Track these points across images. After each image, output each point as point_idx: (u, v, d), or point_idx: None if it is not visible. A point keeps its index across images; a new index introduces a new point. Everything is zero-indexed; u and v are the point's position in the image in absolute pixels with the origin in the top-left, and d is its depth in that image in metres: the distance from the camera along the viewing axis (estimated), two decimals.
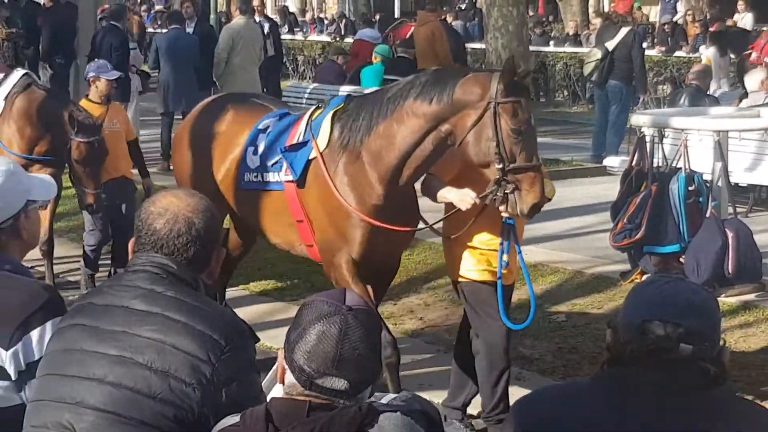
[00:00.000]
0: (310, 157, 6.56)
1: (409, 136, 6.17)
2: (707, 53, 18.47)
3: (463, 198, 6.10)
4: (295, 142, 6.68)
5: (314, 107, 6.96)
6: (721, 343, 2.71)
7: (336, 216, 6.48)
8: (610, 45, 14.97)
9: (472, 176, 6.18)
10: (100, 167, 8.82)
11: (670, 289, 2.74)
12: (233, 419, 2.72)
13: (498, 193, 5.96)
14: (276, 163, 6.81)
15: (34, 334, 3.30)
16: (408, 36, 20.98)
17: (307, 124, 6.67)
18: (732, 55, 18.83)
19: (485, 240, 6.33)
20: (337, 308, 2.64)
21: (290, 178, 6.66)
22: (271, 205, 6.92)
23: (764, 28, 22.57)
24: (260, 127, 7.08)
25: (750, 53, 18.21)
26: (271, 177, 6.85)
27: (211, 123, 7.50)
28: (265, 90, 15.99)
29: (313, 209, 6.62)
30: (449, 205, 6.37)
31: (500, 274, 6.28)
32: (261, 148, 6.94)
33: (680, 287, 2.76)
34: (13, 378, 3.30)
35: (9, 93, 9.12)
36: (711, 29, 20.99)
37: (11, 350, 3.29)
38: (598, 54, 15.02)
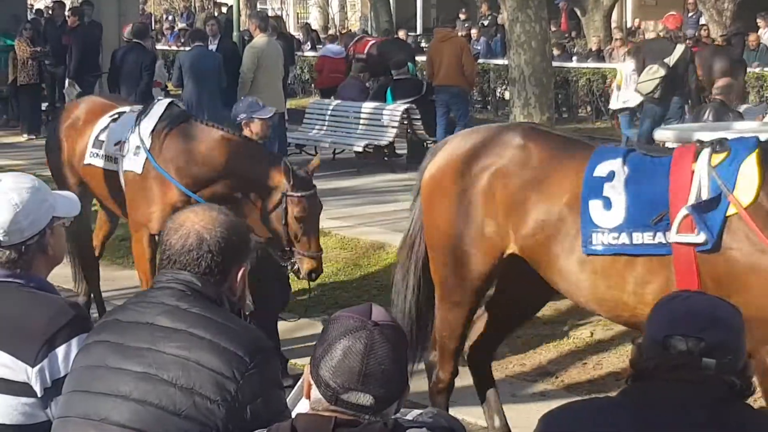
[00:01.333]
0: (727, 214, 5.25)
1: None
2: (622, 66, 18.11)
3: None
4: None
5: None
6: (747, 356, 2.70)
7: None
8: (670, 62, 14.87)
9: None
10: (318, 224, 7.75)
11: (691, 303, 2.73)
12: None
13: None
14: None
15: (60, 350, 3.30)
16: (366, 50, 21.35)
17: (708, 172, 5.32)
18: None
19: None
20: (363, 323, 2.63)
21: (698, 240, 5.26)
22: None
23: None
24: None
25: None
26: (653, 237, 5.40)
27: None
28: None
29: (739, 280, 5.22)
30: None
31: None
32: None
33: (702, 301, 2.76)
34: (39, 395, 3.31)
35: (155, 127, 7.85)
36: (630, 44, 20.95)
37: (37, 367, 3.30)
38: (660, 71, 14.82)
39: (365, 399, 2.60)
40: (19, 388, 3.32)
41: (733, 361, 2.65)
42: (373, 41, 22.35)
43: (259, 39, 15.43)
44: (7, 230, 3.49)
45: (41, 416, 3.32)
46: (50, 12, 22.59)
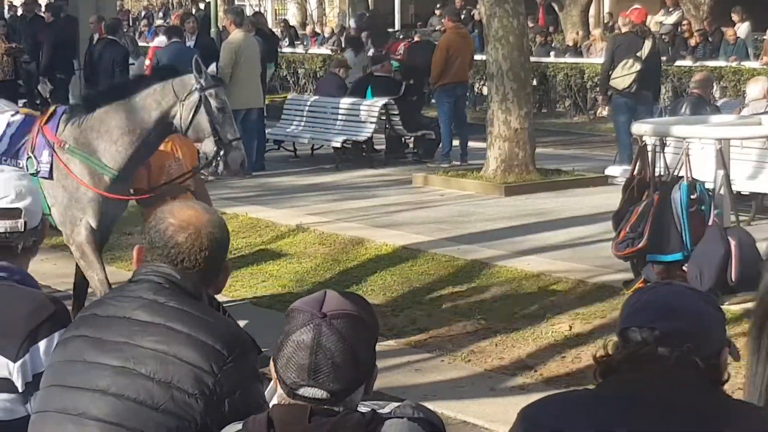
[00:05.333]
0: None
1: None
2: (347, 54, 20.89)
3: None
4: None
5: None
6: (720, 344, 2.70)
7: None
8: (642, 56, 14.88)
9: None
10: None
11: (650, 295, 2.76)
12: (236, 427, 2.71)
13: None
14: None
15: (42, 345, 3.30)
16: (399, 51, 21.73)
17: None
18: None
19: None
20: (311, 317, 2.59)
21: None
22: None
23: (765, 37, 22.61)
24: None
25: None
26: None
27: None
28: None
29: None
30: None
31: None
32: None
33: (661, 292, 2.78)
34: (20, 390, 3.30)
35: None
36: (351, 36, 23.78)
37: (19, 362, 3.29)
38: (636, 65, 14.81)
39: (319, 393, 2.57)
40: (1, 384, 3.31)
41: (695, 348, 2.64)
42: (405, 42, 22.45)
43: (236, 35, 15.41)
44: (31, 211, 3.50)
45: (21, 411, 3.31)
46: (21, 8, 22.52)
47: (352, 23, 30.32)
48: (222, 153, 7.86)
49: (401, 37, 24.53)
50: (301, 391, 2.58)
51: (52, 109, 8.23)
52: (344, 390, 2.58)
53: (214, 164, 8.05)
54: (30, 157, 7.92)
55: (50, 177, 7.88)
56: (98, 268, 7.94)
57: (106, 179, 7.83)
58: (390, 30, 26.07)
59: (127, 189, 8.18)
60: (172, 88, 7.81)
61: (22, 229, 3.51)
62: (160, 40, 27.29)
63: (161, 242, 3.15)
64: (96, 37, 18.12)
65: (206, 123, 7.79)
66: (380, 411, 2.70)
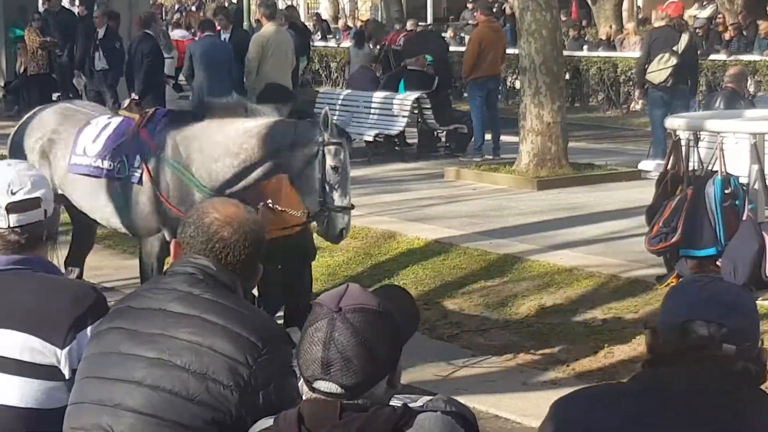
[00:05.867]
0: None
1: None
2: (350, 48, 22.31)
3: None
4: None
5: None
6: (760, 344, 2.71)
7: None
8: (678, 50, 14.77)
9: None
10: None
11: (712, 288, 2.73)
12: (267, 422, 2.72)
13: None
14: None
15: (88, 331, 3.31)
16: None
17: None
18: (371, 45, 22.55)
19: None
20: (327, 311, 2.58)
21: None
22: None
23: None
24: None
25: None
26: None
27: None
28: None
29: None
30: None
31: None
32: None
33: (721, 287, 2.76)
34: (66, 377, 3.33)
35: None
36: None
37: (67, 348, 3.31)
38: (672, 60, 14.69)
39: (333, 388, 2.56)
40: (47, 372, 3.33)
41: (750, 347, 2.66)
42: (404, 33, 22.59)
43: (267, 28, 15.39)
44: (48, 200, 3.53)
45: (66, 399, 3.33)
46: (48, 2, 22.62)
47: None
48: (322, 217, 7.23)
49: (398, 28, 24.68)
50: (317, 385, 2.57)
51: (151, 111, 7.76)
52: (359, 385, 2.55)
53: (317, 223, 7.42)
54: (122, 160, 7.53)
55: (139, 183, 7.45)
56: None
57: (196, 196, 7.18)
58: (422, 23, 26.06)
59: None
60: (294, 130, 7.23)
61: (44, 218, 3.53)
62: (181, 33, 27.51)
63: (204, 236, 3.16)
64: (101, 32, 18.15)
65: (315, 180, 7.15)
66: (412, 405, 2.70)
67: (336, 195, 7.19)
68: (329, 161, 7.12)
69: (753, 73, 19.80)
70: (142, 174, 7.41)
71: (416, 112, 16.74)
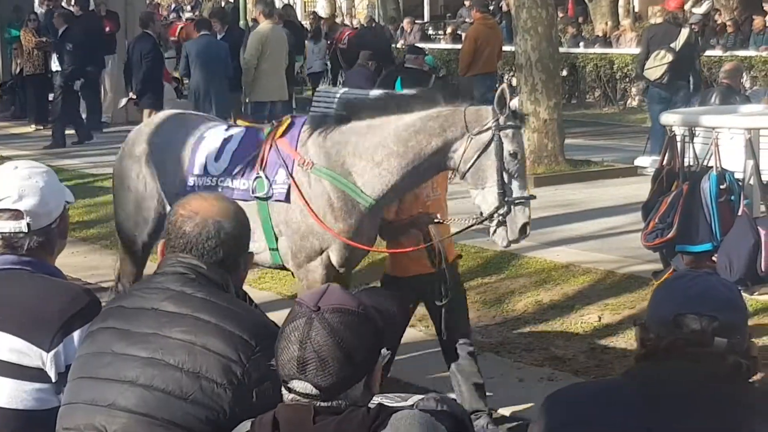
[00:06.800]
0: None
1: None
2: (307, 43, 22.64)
3: None
4: None
5: None
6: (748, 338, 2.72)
7: None
8: (676, 46, 14.73)
9: None
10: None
11: (702, 283, 2.74)
12: (246, 426, 2.72)
13: None
14: None
15: (76, 336, 3.31)
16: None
17: None
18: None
19: None
20: (305, 310, 2.59)
21: None
22: None
23: None
24: None
25: None
26: None
27: None
28: None
29: None
30: None
31: None
32: None
33: (712, 282, 2.77)
34: (53, 380, 3.33)
35: None
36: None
37: (52, 352, 3.31)
38: (668, 57, 14.63)
39: (308, 388, 2.56)
40: (34, 374, 3.34)
41: (740, 341, 2.67)
42: (350, 30, 23.03)
43: (264, 25, 15.40)
44: (36, 212, 3.51)
45: (54, 401, 3.33)
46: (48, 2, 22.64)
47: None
48: (502, 210, 6.29)
49: (345, 25, 25.29)
50: (292, 384, 2.58)
51: (287, 119, 6.79)
52: (334, 385, 2.55)
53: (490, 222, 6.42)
54: (259, 177, 6.52)
55: (287, 200, 6.46)
56: None
57: (361, 208, 6.38)
58: (418, 20, 26.15)
59: (376, 223, 6.57)
60: (464, 117, 6.24)
61: (26, 230, 3.52)
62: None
63: (172, 233, 3.18)
64: (60, 32, 18.21)
65: (492, 170, 6.22)
66: (403, 404, 2.69)
67: (515, 185, 6.28)
68: (507, 146, 6.23)
69: (748, 68, 19.81)
70: (288, 189, 6.46)
71: None
